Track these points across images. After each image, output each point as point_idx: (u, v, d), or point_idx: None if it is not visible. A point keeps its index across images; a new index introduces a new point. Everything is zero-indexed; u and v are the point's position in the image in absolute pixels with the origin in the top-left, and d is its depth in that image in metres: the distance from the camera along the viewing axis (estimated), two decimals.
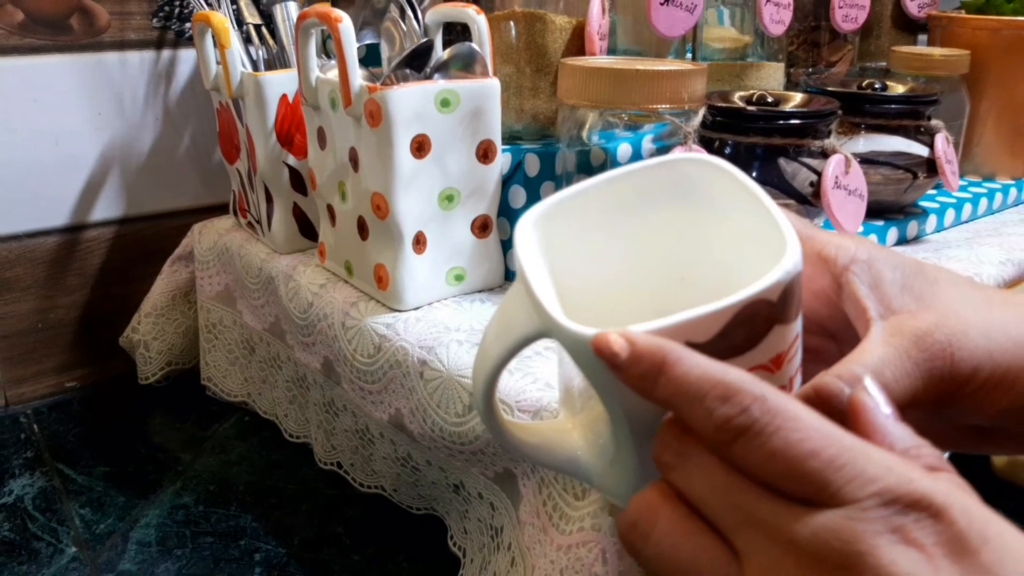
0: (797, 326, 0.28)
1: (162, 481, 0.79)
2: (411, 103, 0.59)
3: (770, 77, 0.81)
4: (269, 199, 0.77)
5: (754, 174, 0.60)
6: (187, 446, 0.84)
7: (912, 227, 0.76)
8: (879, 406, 0.25)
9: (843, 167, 0.64)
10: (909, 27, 0.98)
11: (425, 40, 0.64)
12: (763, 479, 0.23)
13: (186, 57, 0.93)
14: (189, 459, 0.82)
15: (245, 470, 0.81)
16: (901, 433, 0.24)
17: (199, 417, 0.89)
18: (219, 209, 0.95)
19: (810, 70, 0.93)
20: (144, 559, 0.69)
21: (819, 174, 0.64)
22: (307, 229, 0.78)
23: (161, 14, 0.90)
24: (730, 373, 0.23)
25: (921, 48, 0.89)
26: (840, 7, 0.86)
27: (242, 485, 0.78)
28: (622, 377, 0.25)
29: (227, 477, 0.79)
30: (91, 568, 0.68)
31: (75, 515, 0.74)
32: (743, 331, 0.26)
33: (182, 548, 0.70)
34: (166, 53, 0.92)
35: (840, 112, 0.66)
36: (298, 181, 0.77)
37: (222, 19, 0.73)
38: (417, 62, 0.63)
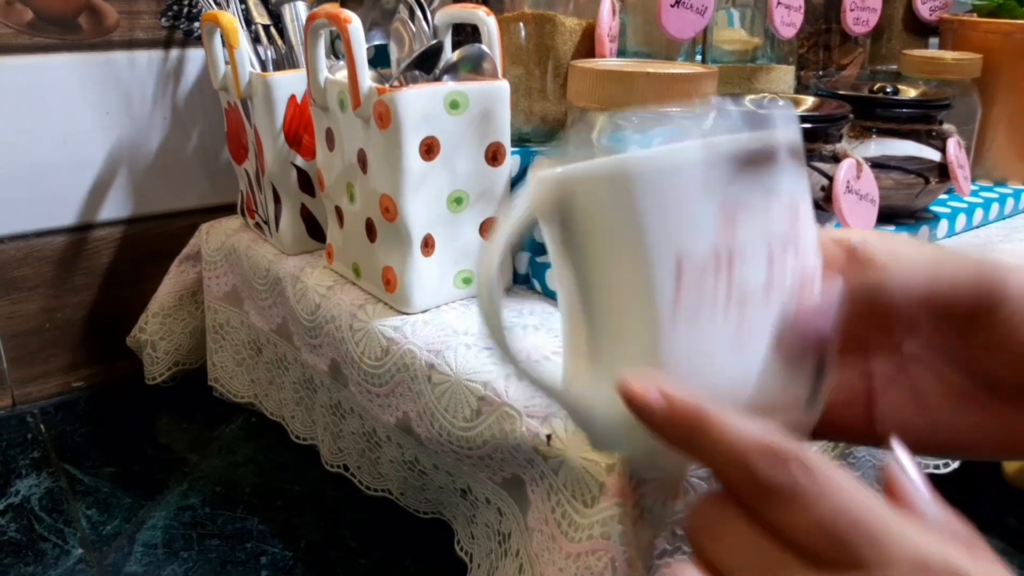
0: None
1: (169, 482, 0.79)
2: (420, 105, 0.59)
3: (780, 80, 0.81)
4: (277, 200, 0.77)
5: None
6: (194, 447, 0.84)
7: (923, 232, 0.75)
8: (914, 483, 0.24)
9: (855, 171, 0.63)
10: (920, 30, 0.97)
11: (434, 41, 0.64)
12: (795, 540, 0.23)
13: (194, 57, 0.93)
14: (196, 460, 0.82)
15: (252, 472, 0.80)
16: (935, 512, 0.24)
17: (206, 418, 0.89)
18: (227, 209, 0.94)
19: (820, 73, 0.92)
20: (150, 561, 0.69)
21: (830, 178, 0.63)
22: (315, 230, 0.78)
23: (170, 13, 0.90)
24: (771, 434, 0.23)
25: (933, 52, 0.89)
26: (851, 10, 0.85)
27: (249, 487, 0.78)
28: (652, 430, 0.25)
29: (234, 479, 0.79)
30: (97, 570, 0.68)
31: (81, 516, 0.74)
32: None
33: (188, 550, 0.70)
34: (174, 53, 0.92)
35: (851, 116, 0.65)
36: (306, 182, 0.76)
37: (231, 19, 0.73)
38: (426, 63, 0.62)
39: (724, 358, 0.26)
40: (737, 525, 0.24)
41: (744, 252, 0.26)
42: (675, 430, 0.24)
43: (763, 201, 0.26)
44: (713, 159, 0.25)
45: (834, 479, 0.22)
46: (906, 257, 0.30)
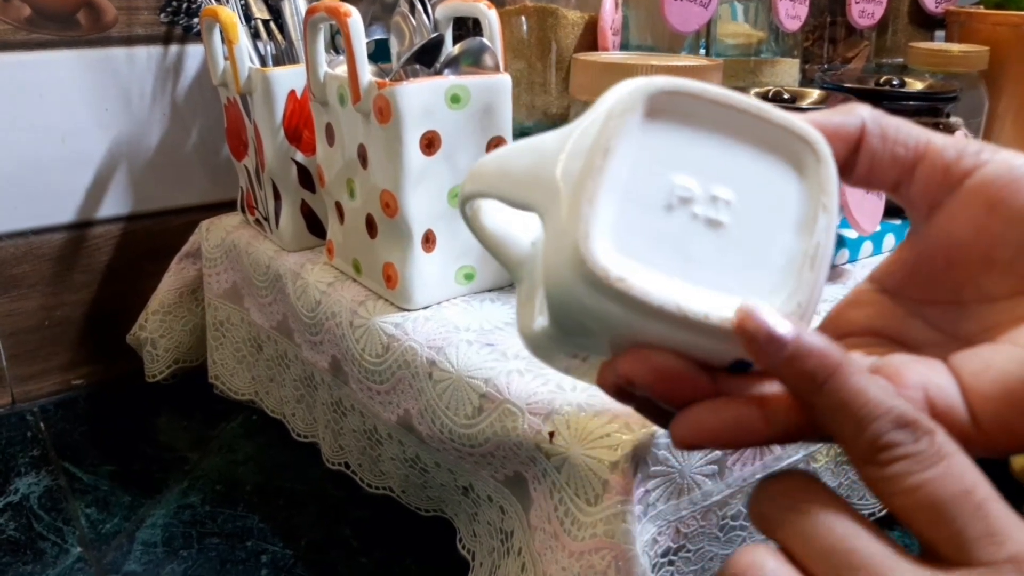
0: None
1: (168, 480, 0.78)
2: (421, 99, 0.58)
3: (785, 73, 0.80)
4: (277, 196, 0.77)
5: None
6: (194, 445, 0.84)
7: None
8: None
9: None
10: (926, 23, 0.97)
11: (435, 35, 0.63)
12: (901, 509, 0.21)
13: (194, 52, 0.92)
14: (196, 458, 0.82)
15: (252, 470, 0.80)
16: None
17: (206, 416, 0.88)
18: (227, 206, 0.94)
19: (825, 66, 0.91)
20: (150, 560, 0.68)
21: None
22: (315, 227, 0.77)
23: (169, 9, 0.89)
24: (902, 400, 0.22)
25: (939, 44, 0.88)
26: (856, 2, 0.85)
27: (249, 485, 0.78)
28: (769, 367, 0.22)
29: (234, 477, 0.79)
30: (96, 569, 0.67)
31: (81, 514, 0.73)
32: None
33: (188, 549, 0.69)
34: (174, 48, 0.91)
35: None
36: (306, 178, 0.76)
37: (230, 14, 0.72)
38: (427, 57, 0.62)
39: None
40: (817, 515, 0.22)
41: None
42: (799, 372, 0.22)
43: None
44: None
45: (962, 460, 0.21)
46: None
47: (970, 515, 0.21)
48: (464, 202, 0.29)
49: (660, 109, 0.24)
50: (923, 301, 0.28)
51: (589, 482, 0.46)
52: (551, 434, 0.49)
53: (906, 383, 0.25)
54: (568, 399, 0.50)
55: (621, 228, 0.23)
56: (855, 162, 0.27)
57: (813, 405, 0.22)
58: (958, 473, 0.21)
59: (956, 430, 0.24)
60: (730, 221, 0.24)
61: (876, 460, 0.21)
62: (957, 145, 0.27)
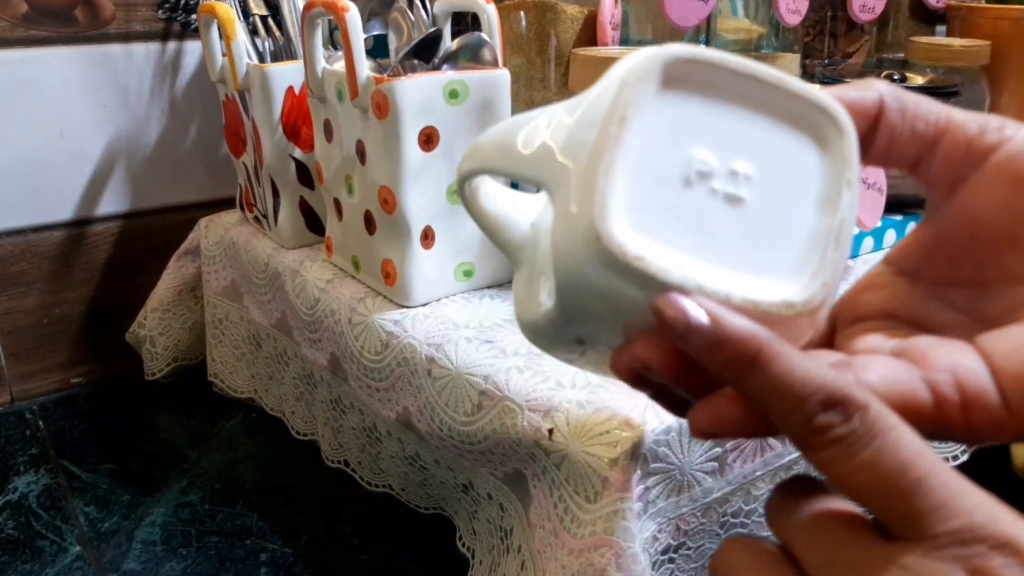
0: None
1: (168, 479, 0.78)
2: (419, 94, 0.57)
3: (786, 68, 0.80)
4: (275, 193, 0.76)
5: None
6: (193, 443, 0.84)
7: None
8: None
9: None
10: (927, 17, 0.96)
11: (433, 30, 0.63)
12: (848, 492, 0.21)
13: (192, 49, 0.92)
14: (195, 456, 0.81)
15: (252, 468, 0.80)
16: None
17: (205, 414, 0.88)
18: (225, 203, 0.94)
19: (826, 61, 0.91)
20: (149, 558, 0.68)
21: None
22: (314, 223, 0.77)
23: (167, 5, 0.89)
24: (831, 376, 0.21)
25: (940, 39, 0.87)
26: None
27: (248, 483, 0.77)
28: (692, 352, 0.21)
29: (233, 475, 0.79)
30: (95, 567, 0.67)
31: (80, 513, 0.73)
32: None
33: (187, 547, 0.69)
34: (172, 45, 0.91)
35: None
36: (305, 175, 0.75)
37: (228, 10, 0.72)
38: (425, 52, 0.61)
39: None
40: (811, 506, 0.22)
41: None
42: (722, 361, 0.21)
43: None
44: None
45: (901, 435, 0.21)
46: None
47: (910, 493, 0.20)
48: (463, 181, 0.27)
49: (676, 78, 0.22)
50: (943, 282, 0.28)
51: (589, 479, 0.46)
52: (550, 431, 0.49)
53: (934, 366, 0.24)
54: (567, 396, 0.50)
55: (637, 203, 0.22)
56: (874, 138, 0.26)
57: (747, 393, 0.22)
58: (892, 451, 0.20)
59: (988, 413, 0.23)
60: (750, 197, 0.23)
61: (810, 445, 0.21)
62: (979, 120, 0.26)
